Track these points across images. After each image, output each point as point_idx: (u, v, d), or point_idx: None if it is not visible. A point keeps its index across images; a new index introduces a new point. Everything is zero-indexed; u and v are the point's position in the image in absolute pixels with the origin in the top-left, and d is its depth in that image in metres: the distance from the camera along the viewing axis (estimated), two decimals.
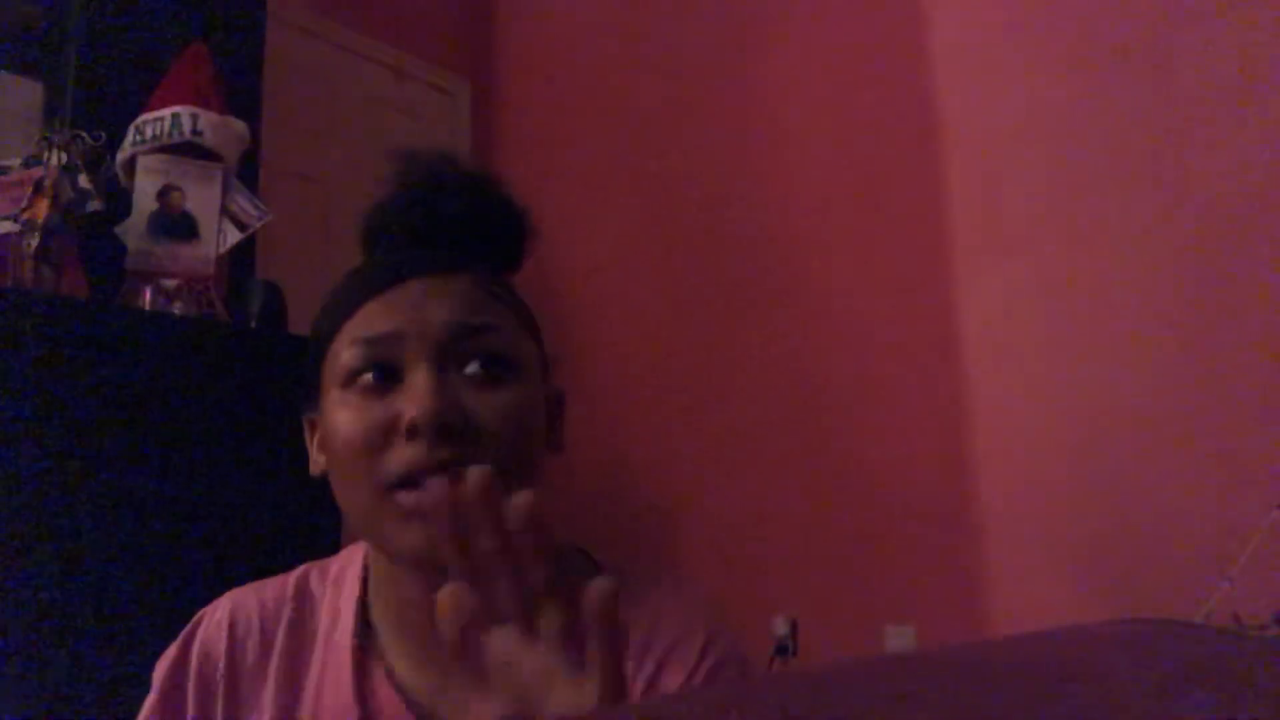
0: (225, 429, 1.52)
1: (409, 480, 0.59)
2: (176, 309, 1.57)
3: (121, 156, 1.65)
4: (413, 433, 0.59)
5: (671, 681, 0.67)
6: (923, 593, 1.98)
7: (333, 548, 1.57)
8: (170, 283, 1.58)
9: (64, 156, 1.52)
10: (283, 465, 1.57)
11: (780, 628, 2.10)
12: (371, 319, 0.63)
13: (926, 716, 0.25)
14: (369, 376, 0.61)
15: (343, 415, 0.62)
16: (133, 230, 1.58)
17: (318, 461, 0.67)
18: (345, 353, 0.63)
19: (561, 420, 0.72)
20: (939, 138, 2.11)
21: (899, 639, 1.97)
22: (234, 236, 1.64)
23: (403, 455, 0.59)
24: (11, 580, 1.30)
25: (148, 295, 1.57)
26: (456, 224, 0.68)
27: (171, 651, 0.72)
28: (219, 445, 1.50)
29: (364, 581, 0.71)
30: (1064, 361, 1.88)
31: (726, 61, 2.52)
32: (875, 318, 2.16)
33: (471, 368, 0.62)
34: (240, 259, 1.79)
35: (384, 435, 0.60)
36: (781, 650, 2.09)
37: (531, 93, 3.03)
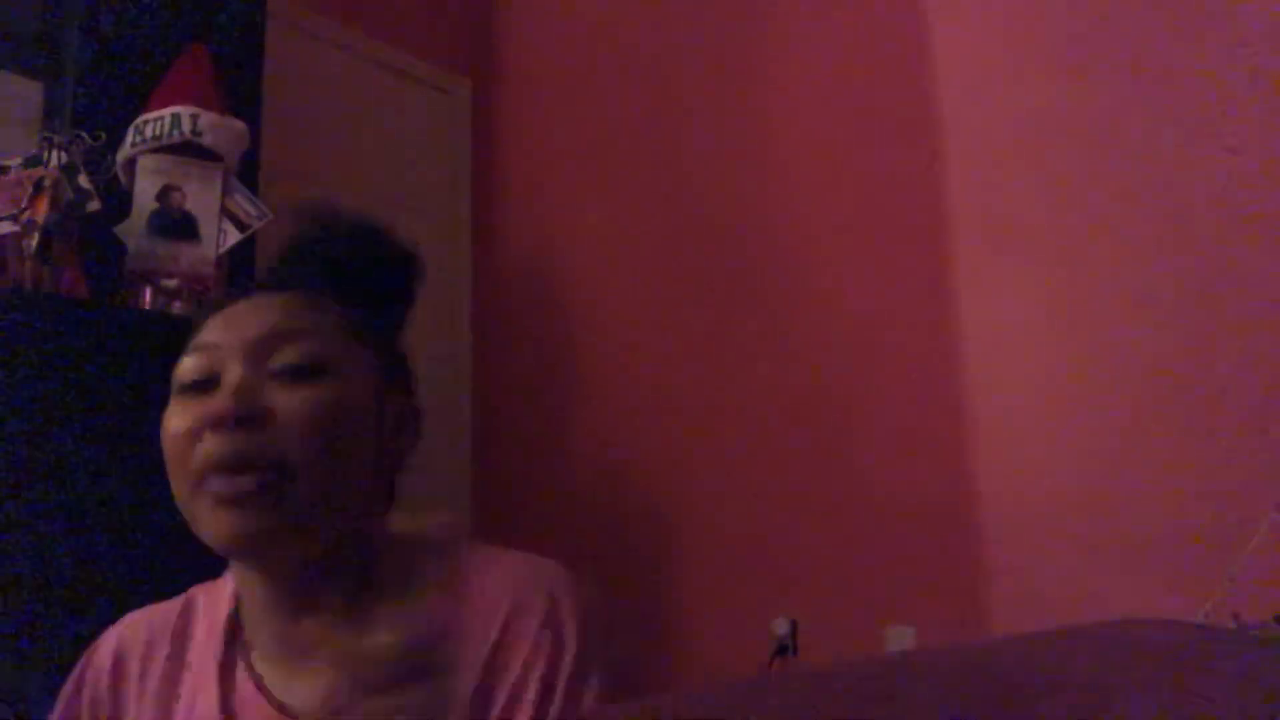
0: None
1: (213, 470, 0.64)
2: (176, 309, 1.57)
3: (121, 156, 1.65)
4: (215, 425, 0.65)
5: (512, 659, 0.67)
6: (923, 593, 1.98)
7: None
8: (170, 283, 1.58)
9: (64, 156, 1.52)
10: None
11: (780, 628, 2.10)
12: (202, 332, 0.71)
13: (926, 716, 0.25)
14: (191, 381, 0.68)
15: (171, 418, 0.69)
16: (133, 230, 1.58)
17: None
18: (180, 363, 0.70)
19: (411, 435, 0.76)
20: (939, 139, 2.11)
21: (899, 639, 1.97)
22: (234, 236, 1.64)
23: (208, 445, 0.65)
24: (13, 579, 1.30)
25: (148, 295, 1.57)
26: (338, 269, 0.74)
27: (70, 678, 0.77)
28: None
29: (237, 589, 0.76)
30: (1064, 361, 1.88)
31: (727, 61, 2.52)
32: (876, 318, 2.16)
33: (280, 368, 0.67)
34: (240, 259, 1.79)
35: (198, 430, 0.66)
36: (781, 650, 2.09)
37: (531, 93, 3.03)
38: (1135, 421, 1.77)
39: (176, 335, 1.55)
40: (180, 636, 0.75)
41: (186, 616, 0.77)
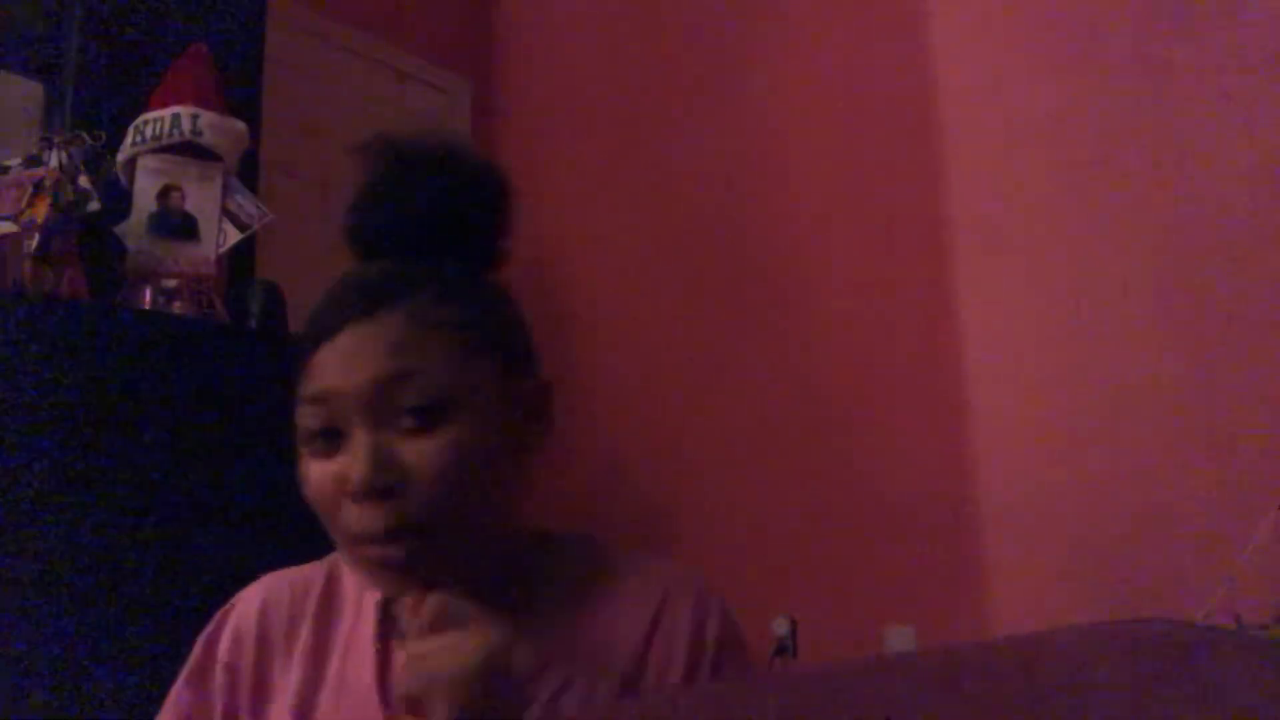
0: (225, 429, 1.52)
1: (362, 540, 0.65)
2: (176, 309, 1.57)
3: (121, 156, 1.65)
4: (355, 498, 0.63)
5: (665, 649, 0.70)
6: (923, 593, 1.98)
7: (332, 545, 1.57)
8: (170, 283, 1.58)
9: (64, 156, 1.52)
10: (282, 465, 1.57)
11: (780, 628, 2.10)
12: (313, 375, 0.67)
13: (926, 717, 0.25)
14: (317, 438, 0.66)
15: (307, 473, 0.67)
16: (133, 230, 1.58)
17: None
18: (300, 409, 0.68)
19: (548, 411, 0.75)
20: (939, 138, 2.11)
21: (899, 639, 1.97)
22: (234, 236, 1.64)
23: (352, 517, 0.64)
24: (12, 579, 1.30)
25: (148, 295, 1.57)
26: (425, 222, 0.70)
27: (206, 631, 0.75)
28: (218, 445, 1.50)
29: None
30: (1063, 361, 1.88)
31: (727, 62, 2.52)
32: (876, 317, 2.16)
33: (405, 419, 0.64)
34: (240, 259, 1.79)
35: (336, 495, 0.65)
36: (781, 650, 2.09)
37: (531, 93, 3.03)
38: (1135, 422, 1.77)
39: (176, 335, 1.55)
40: (326, 606, 0.74)
41: (331, 587, 0.76)
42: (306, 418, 0.66)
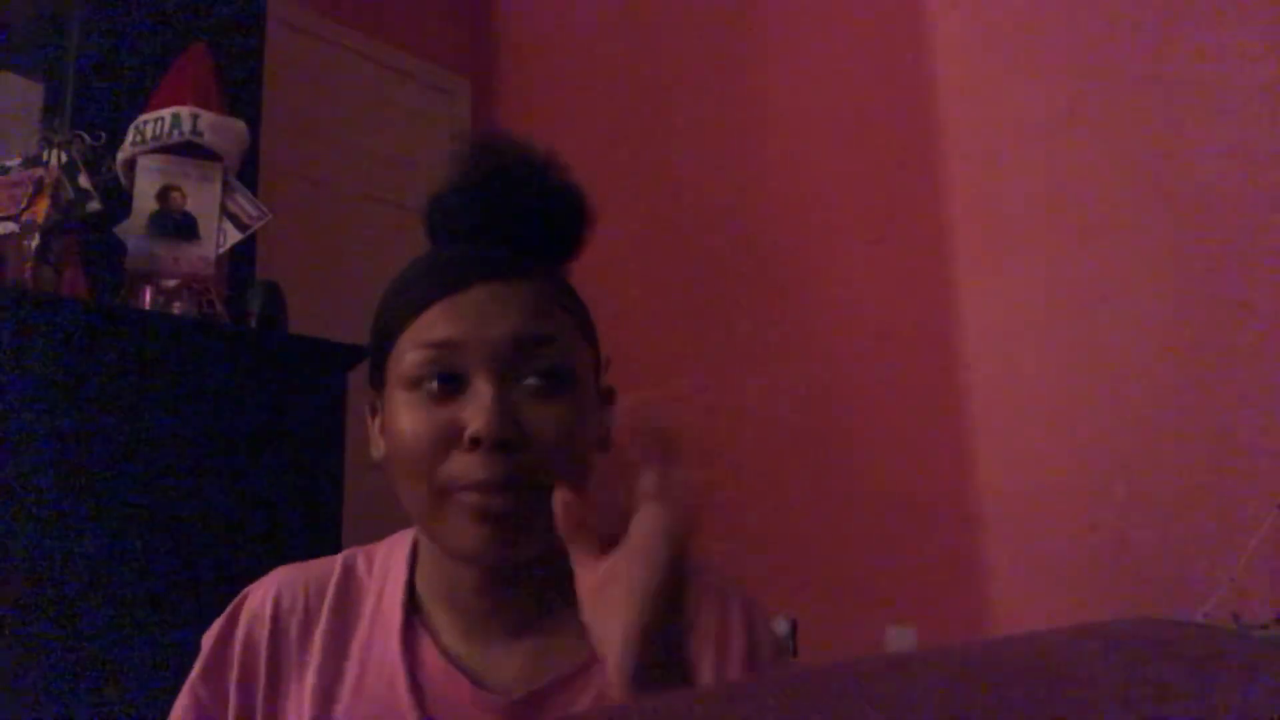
0: (225, 429, 1.52)
1: (469, 488, 0.62)
2: (176, 309, 1.57)
3: (121, 156, 1.65)
4: (474, 445, 0.62)
5: (722, 648, 0.71)
6: (923, 593, 1.98)
7: (333, 545, 1.57)
8: (170, 283, 1.58)
9: (64, 156, 1.52)
10: (282, 464, 1.57)
11: (780, 628, 2.10)
12: (436, 323, 0.65)
13: (926, 716, 0.25)
14: (433, 383, 0.64)
15: (406, 417, 0.64)
16: (133, 230, 1.58)
17: (379, 446, 0.70)
18: (410, 355, 0.65)
19: (610, 418, 0.75)
20: (939, 138, 2.11)
21: (899, 639, 1.97)
22: (234, 236, 1.64)
23: (463, 464, 0.62)
24: (13, 580, 1.30)
25: (148, 295, 1.57)
26: (517, 216, 0.70)
27: (218, 624, 0.74)
28: (218, 445, 1.50)
29: (411, 560, 0.74)
30: (1064, 361, 1.88)
31: (728, 61, 2.52)
32: (876, 317, 2.16)
33: (531, 380, 0.64)
34: (240, 259, 1.79)
35: (445, 442, 0.63)
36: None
37: (531, 93, 3.03)
38: (1135, 423, 1.77)
39: (176, 335, 1.55)
40: (343, 601, 0.73)
41: (348, 581, 0.74)
42: (420, 365, 0.64)
